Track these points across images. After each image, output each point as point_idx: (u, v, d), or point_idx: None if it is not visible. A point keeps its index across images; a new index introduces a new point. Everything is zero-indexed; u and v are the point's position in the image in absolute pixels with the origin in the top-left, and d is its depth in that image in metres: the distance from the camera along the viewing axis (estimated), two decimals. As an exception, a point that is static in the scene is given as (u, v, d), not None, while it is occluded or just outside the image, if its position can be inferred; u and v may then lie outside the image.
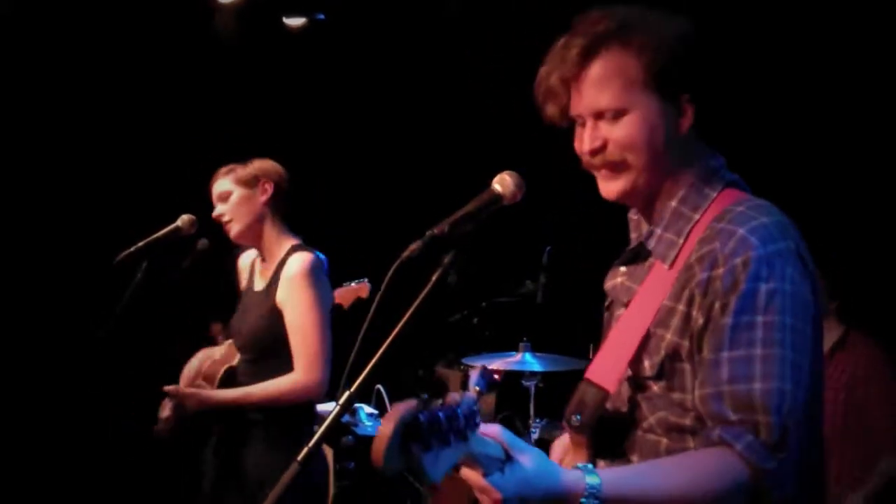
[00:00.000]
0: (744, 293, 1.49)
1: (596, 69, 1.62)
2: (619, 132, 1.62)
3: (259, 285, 3.14)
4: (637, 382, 1.61)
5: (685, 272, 1.57)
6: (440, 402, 1.26)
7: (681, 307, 1.56)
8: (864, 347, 3.55)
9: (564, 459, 1.74)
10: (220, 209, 3.14)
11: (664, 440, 1.58)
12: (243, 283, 3.28)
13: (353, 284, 4.18)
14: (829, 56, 4.29)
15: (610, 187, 1.67)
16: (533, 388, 4.26)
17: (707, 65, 1.65)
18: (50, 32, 5.07)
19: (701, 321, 1.53)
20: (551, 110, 1.68)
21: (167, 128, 5.36)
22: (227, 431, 3.08)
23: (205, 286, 4.27)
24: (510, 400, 4.74)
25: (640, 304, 1.63)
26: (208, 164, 3.26)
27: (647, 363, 1.58)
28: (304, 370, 2.94)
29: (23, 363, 4.91)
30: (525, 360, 4.24)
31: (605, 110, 1.62)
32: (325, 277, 3.08)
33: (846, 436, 3.45)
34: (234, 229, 3.12)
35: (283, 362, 2.97)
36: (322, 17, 5.81)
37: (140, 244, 3.13)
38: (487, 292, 4.63)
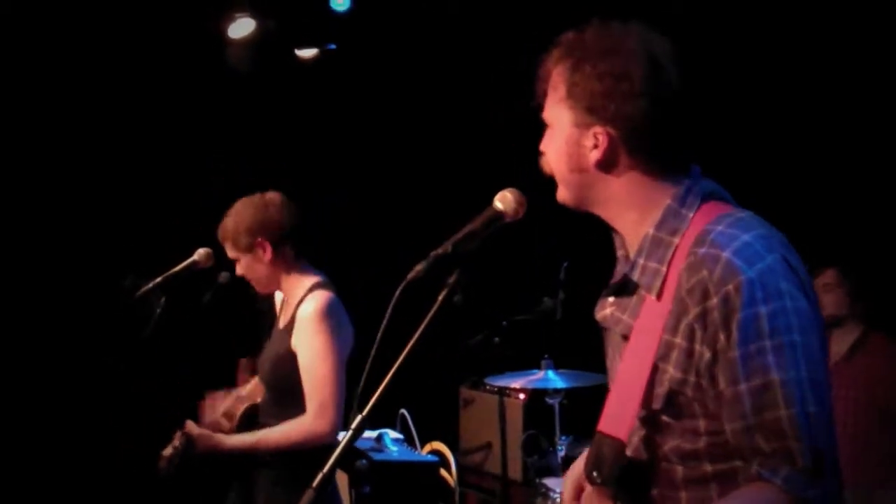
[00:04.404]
0: (743, 321, 1.46)
1: (551, 80, 1.68)
2: (547, 144, 1.71)
3: (282, 323, 3.15)
4: (647, 416, 1.59)
5: (678, 304, 1.53)
6: None
7: (679, 341, 1.53)
8: (884, 348, 3.53)
9: None
10: (238, 271, 3.19)
11: (680, 468, 1.57)
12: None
13: None
14: (840, 62, 4.28)
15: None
16: (557, 406, 4.25)
17: (641, 101, 1.56)
18: (67, 64, 5.13)
19: (708, 355, 1.50)
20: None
21: (184, 160, 5.41)
22: (238, 472, 3.07)
23: (228, 320, 4.28)
24: (535, 418, 4.72)
25: (638, 342, 1.60)
26: (225, 196, 3.27)
27: (653, 396, 1.56)
28: (314, 415, 2.91)
29: (42, 397, 4.94)
30: (548, 378, 4.23)
31: (545, 118, 1.71)
32: (341, 317, 3.03)
33: (869, 437, 3.41)
34: (256, 287, 3.19)
35: (302, 400, 2.95)
36: (333, 46, 5.86)
37: (158, 280, 3.16)
38: (507, 311, 4.62)
